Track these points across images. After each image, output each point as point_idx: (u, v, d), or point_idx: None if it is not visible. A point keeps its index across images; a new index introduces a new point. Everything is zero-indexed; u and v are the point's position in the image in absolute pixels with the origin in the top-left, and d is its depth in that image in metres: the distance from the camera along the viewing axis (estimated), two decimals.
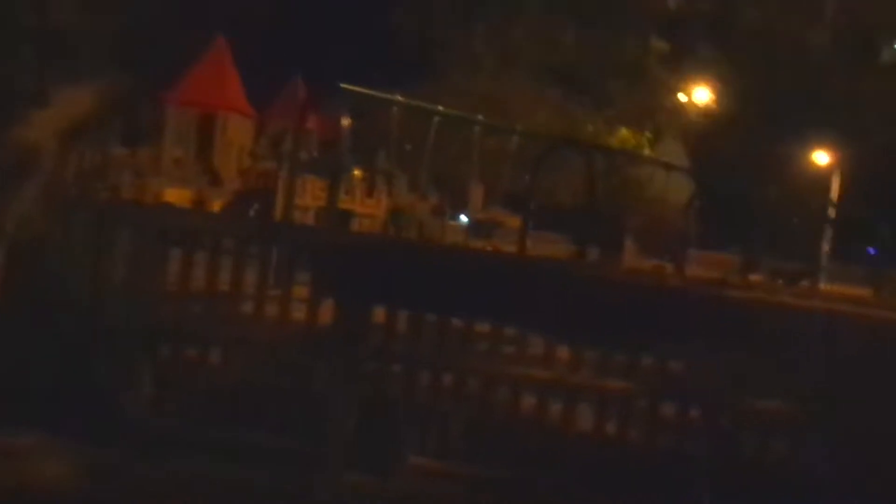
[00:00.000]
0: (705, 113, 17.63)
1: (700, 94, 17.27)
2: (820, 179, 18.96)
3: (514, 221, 13.55)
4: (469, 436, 3.76)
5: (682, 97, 17.59)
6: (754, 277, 12.78)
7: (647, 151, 18.57)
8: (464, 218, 16.07)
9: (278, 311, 3.75)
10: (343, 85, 6.46)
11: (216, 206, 12.43)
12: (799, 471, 3.56)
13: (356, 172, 16.81)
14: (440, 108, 8.24)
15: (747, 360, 3.66)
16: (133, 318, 3.76)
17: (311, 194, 11.72)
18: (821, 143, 18.36)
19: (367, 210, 12.78)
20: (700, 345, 3.51)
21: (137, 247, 3.82)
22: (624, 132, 17.78)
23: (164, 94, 15.12)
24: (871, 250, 16.68)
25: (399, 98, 7.60)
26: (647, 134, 17.64)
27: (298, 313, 3.79)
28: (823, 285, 13.61)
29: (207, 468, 3.35)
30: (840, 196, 18.05)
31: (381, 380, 3.74)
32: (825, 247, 18.15)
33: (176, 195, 12.22)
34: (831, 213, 17.77)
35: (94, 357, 3.73)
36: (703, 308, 3.54)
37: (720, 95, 17.13)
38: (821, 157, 19.21)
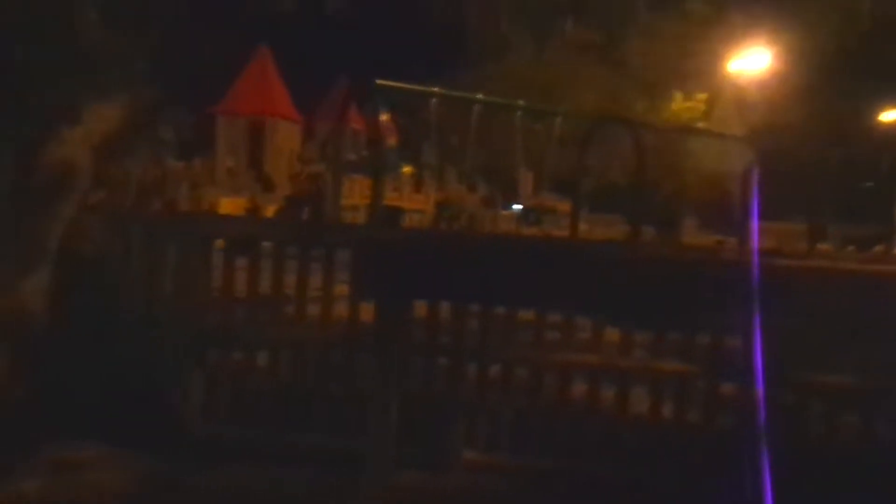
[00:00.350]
0: (761, 77, 16.89)
1: (753, 58, 16.56)
2: (891, 138, 17.96)
3: (566, 206, 13.34)
4: (520, 427, 3.69)
5: (734, 62, 16.91)
6: (823, 245, 12.22)
7: (701, 124, 17.96)
8: (518, 207, 15.91)
9: (322, 310, 3.76)
10: (378, 81, 6.42)
11: (269, 211, 12.67)
12: (870, 449, 3.34)
13: (406, 169, 16.87)
14: (479, 96, 8.10)
15: (811, 333, 3.46)
16: (183, 325, 3.82)
17: (359, 193, 11.81)
18: (889, 99, 17.38)
19: (416, 205, 12.79)
20: (758, 319, 3.34)
21: (184, 255, 3.88)
22: (675, 105, 17.23)
23: (213, 106, 15.50)
24: None
25: (436, 90, 7.51)
26: (699, 104, 17.04)
27: (343, 311, 3.78)
28: None
29: (259, 473, 3.37)
30: None
31: (427, 375, 3.70)
32: None
33: (231, 204, 12.50)
34: None
35: (148, 366, 3.80)
36: (758, 279, 3.35)
37: (776, 57, 16.39)
38: (890, 115, 18.18)
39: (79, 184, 3.08)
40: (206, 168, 14.59)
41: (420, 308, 3.65)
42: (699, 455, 3.53)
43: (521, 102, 8.74)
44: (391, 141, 17.50)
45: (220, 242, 3.92)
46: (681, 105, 17.18)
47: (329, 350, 3.77)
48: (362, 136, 15.19)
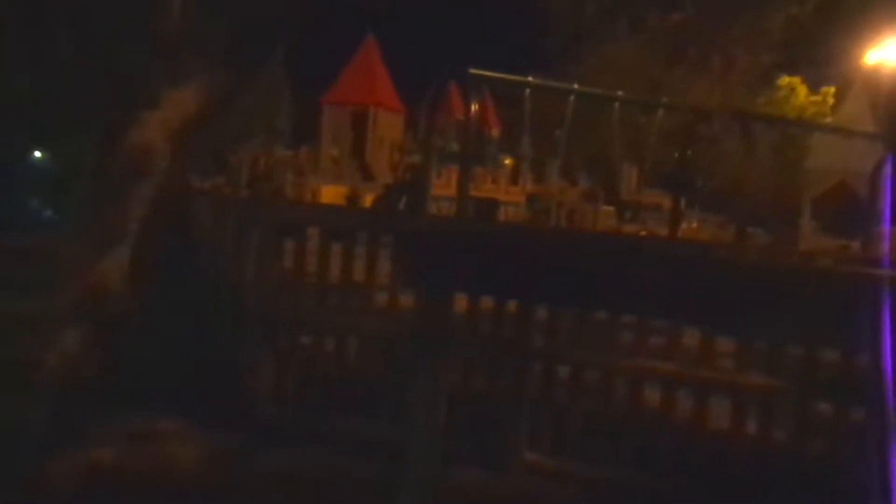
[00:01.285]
0: None
1: (892, 48, 15.13)
2: None
3: (670, 203, 12.75)
4: (587, 433, 3.51)
5: (873, 53, 15.53)
6: None
7: (828, 119, 16.66)
8: None
9: (387, 301, 3.73)
10: (472, 70, 6.33)
11: (368, 200, 12.92)
12: None
13: (507, 161, 16.71)
14: (575, 86, 7.85)
15: None
16: (258, 308, 3.91)
17: (456, 184, 11.77)
18: None
19: (512, 198, 12.63)
20: (861, 334, 3.00)
21: (262, 241, 3.97)
22: (799, 99, 16.05)
23: (321, 96, 15.97)
24: None
25: (529, 79, 7.34)
26: (827, 97, 15.78)
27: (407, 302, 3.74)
28: None
29: (320, 458, 3.39)
30: None
31: (491, 371, 3.60)
32: None
33: (331, 191, 12.85)
34: None
35: (227, 347, 3.91)
36: (857, 291, 3.00)
37: None
38: None
39: (157, 167, 3.19)
40: (311, 157, 15.07)
41: (486, 303, 3.55)
42: (785, 478, 3.23)
43: (619, 93, 8.39)
44: (494, 132, 17.40)
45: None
46: (805, 99, 15.98)
47: (393, 340, 3.74)
48: (463, 128, 15.15)
